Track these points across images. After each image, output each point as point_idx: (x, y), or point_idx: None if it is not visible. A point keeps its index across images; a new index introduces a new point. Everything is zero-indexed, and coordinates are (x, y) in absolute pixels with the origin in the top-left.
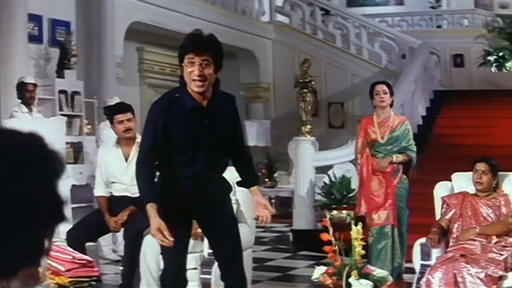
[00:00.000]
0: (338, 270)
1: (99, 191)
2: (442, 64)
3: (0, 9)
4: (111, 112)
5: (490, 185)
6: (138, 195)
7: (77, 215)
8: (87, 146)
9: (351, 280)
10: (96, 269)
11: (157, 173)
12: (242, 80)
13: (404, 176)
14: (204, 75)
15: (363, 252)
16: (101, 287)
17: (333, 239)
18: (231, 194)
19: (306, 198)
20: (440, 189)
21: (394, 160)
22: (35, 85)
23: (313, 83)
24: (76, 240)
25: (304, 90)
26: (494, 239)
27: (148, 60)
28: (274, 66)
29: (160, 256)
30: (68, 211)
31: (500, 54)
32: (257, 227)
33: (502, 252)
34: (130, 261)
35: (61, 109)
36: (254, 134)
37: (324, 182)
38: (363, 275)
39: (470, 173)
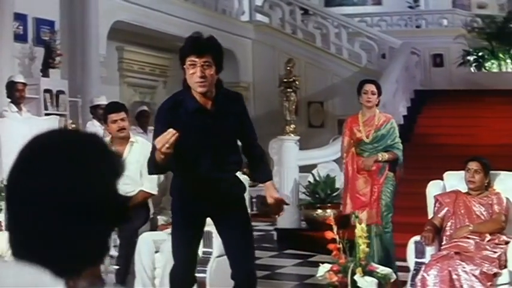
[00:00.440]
0: (343, 267)
1: None
2: (422, 64)
3: None
4: (105, 111)
5: (482, 184)
6: (130, 194)
7: None
8: None
9: (356, 277)
10: None
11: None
12: (222, 79)
13: (392, 174)
14: (206, 76)
15: (367, 249)
16: None
17: (337, 237)
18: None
19: (290, 197)
20: (433, 188)
21: (380, 159)
22: (24, 84)
23: (297, 82)
24: None
25: (289, 89)
26: (488, 237)
27: (128, 60)
28: (254, 66)
29: (156, 255)
30: None
31: (480, 54)
32: None
33: (495, 250)
34: (125, 260)
35: (46, 108)
36: None
37: (309, 181)
38: (367, 273)
39: (462, 172)
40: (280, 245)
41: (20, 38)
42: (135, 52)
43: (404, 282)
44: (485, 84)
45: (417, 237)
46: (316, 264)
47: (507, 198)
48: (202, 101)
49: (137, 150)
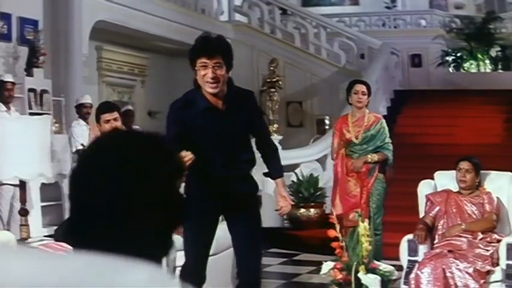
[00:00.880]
0: (346, 265)
1: None
2: (400, 64)
3: None
4: (98, 111)
5: (473, 183)
6: None
7: (46, 212)
8: (56, 144)
9: (359, 275)
10: None
11: None
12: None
13: (382, 176)
14: (217, 77)
15: (370, 248)
16: None
17: (339, 235)
18: None
19: (273, 196)
20: (424, 188)
21: (369, 160)
22: (13, 84)
23: (280, 82)
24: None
25: (272, 89)
26: (480, 235)
27: (107, 59)
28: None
29: None
30: (37, 210)
31: (459, 54)
32: None
33: (488, 248)
34: None
35: (30, 107)
36: None
37: (292, 181)
38: (370, 270)
39: (452, 172)
40: (264, 244)
41: (4, 37)
42: (114, 51)
43: (395, 281)
44: (464, 85)
45: (410, 236)
46: (300, 263)
47: (498, 198)
48: (213, 101)
49: None
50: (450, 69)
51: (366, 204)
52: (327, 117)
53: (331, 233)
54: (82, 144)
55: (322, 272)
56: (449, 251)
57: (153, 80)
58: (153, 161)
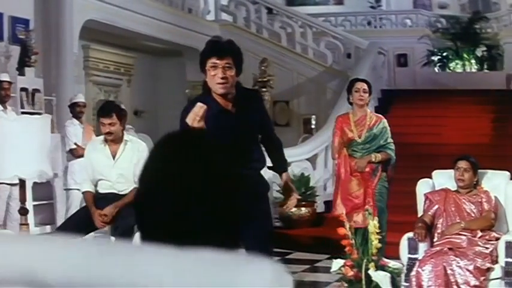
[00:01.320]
0: (356, 262)
1: (86, 186)
2: (386, 64)
3: None
4: (98, 114)
5: (471, 182)
6: (124, 192)
7: (39, 212)
8: None
9: (370, 272)
10: None
11: None
12: (188, 77)
13: (385, 175)
14: (227, 77)
15: (380, 245)
16: None
17: (349, 233)
18: None
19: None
20: (422, 187)
21: (373, 159)
22: (10, 83)
23: (271, 82)
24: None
25: (263, 89)
26: (479, 233)
27: (94, 58)
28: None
29: None
30: (29, 209)
31: (444, 54)
32: None
33: (487, 246)
34: None
35: (22, 107)
36: None
37: None
38: (380, 267)
39: (450, 171)
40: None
41: None
42: (101, 51)
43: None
44: (450, 85)
45: (410, 234)
46: (292, 262)
47: (495, 196)
48: (223, 103)
49: (130, 149)
50: (436, 69)
51: (373, 203)
52: (314, 116)
53: (341, 231)
54: (76, 144)
55: (332, 270)
56: (450, 249)
57: (139, 80)
58: (216, 156)
